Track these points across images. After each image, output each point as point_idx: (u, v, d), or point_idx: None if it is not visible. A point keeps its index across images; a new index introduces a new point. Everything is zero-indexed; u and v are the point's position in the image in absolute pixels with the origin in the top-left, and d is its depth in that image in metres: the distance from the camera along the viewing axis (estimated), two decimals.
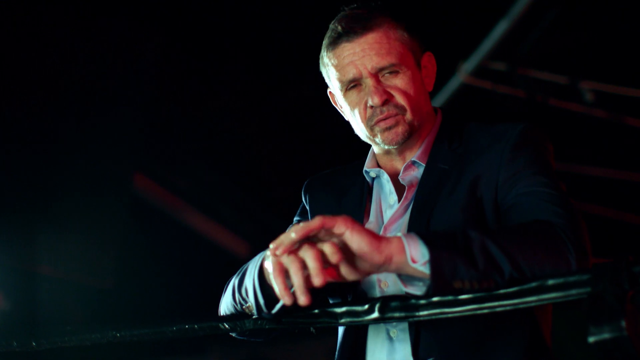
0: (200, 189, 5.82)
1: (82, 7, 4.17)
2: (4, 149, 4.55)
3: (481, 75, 4.92)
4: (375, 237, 1.42)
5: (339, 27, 1.87)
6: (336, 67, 1.89)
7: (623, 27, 4.59)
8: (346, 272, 1.44)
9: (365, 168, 1.99)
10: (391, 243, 1.43)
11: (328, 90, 2.03)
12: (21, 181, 4.65)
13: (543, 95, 4.97)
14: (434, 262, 1.40)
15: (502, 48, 4.68)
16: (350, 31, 1.86)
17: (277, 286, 1.44)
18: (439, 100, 4.94)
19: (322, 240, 1.44)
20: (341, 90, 1.92)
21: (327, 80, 2.00)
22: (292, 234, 1.42)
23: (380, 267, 1.43)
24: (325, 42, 1.93)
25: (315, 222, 1.42)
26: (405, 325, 1.73)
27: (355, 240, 1.40)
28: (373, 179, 1.99)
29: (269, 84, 4.93)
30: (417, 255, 1.42)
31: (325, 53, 1.93)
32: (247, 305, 1.70)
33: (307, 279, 1.41)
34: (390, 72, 1.86)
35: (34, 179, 4.69)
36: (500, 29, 4.54)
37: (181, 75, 4.92)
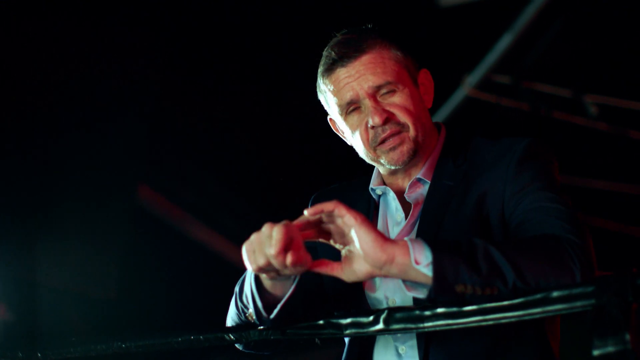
0: (204, 200, 5.82)
1: (90, 16, 4.19)
2: (6, 158, 4.56)
3: (485, 89, 4.93)
4: (382, 236, 1.46)
5: (333, 53, 1.89)
6: (333, 92, 1.91)
7: (627, 40, 4.61)
8: (349, 270, 1.49)
9: (371, 186, 2.00)
10: (396, 244, 1.46)
11: (328, 117, 2.05)
12: (23, 191, 4.65)
13: (547, 108, 4.98)
14: (436, 263, 1.42)
15: (506, 61, 4.69)
16: (344, 56, 1.87)
17: (248, 265, 1.55)
18: (443, 113, 4.95)
19: (329, 232, 1.52)
20: (341, 115, 1.93)
21: (326, 107, 2.01)
22: (305, 212, 1.51)
23: (382, 267, 1.45)
24: (320, 69, 1.95)
25: (330, 205, 1.49)
26: (413, 341, 1.74)
27: (362, 235, 1.45)
28: (379, 196, 2.00)
29: (274, 95, 4.94)
30: (420, 257, 1.44)
31: (321, 80, 1.95)
32: (249, 312, 1.72)
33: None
34: (388, 91, 1.87)
35: (36, 188, 4.70)
36: (505, 42, 4.56)
37: (186, 85, 4.93)
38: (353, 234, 1.46)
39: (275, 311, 1.63)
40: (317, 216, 1.52)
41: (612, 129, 4.96)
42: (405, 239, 1.48)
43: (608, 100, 4.87)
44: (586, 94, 4.89)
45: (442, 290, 1.41)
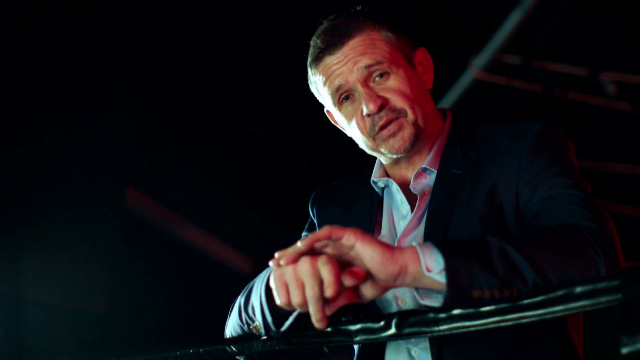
0: (199, 203, 5.82)
1: (73, 16, 4.19)
2: None
3: (494, 70, 4.92)
4: (388, 247, 1.43)
5: (319, 42, 1.90)
6: (324, 82, 1.91)
7: None
8: (362, 290, 1.45)
9: (372, 178, 1.99)
10: (405, 252, 1.43)
11: (325, 109, 2.04)
12: (5, 199, 4.65)
13: (561, 89, 4.97)
14: (449, 269, 1.40)
15: (515, 40, 4.68)
16: (331, 43, 1.88)
17: (279, 299, 1.46)
18: (450, 98, 4.94)
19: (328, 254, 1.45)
20: (334, 105, 1.93)
21: (319, 99, 2.02)
22: (298, 243, 1.44)
23: (396, 279, 1.43)
24: (308, 60, 1.95)
25: (323, 232, 1.43)
26: (426, 343, 1.74)
27: (367, 252, 1.41)
28: (382, 189, 1.99)
29: (269, 93, 4.95)
30: (432, 264, 1.42)
31: (310, 72, 1.96)
32: (255, 324, 1.71)
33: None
34: (380, 75, 1.87)
35: (18, 196, 4.70)
36: (513, 19, 4.54)
37: (176, 84, 4.93)
38: (358, 251, 1.42)
39: (287, 324, 1.61)
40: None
41: (632, 109, 4.95)
42: (414, 243, 1.46)
43: (627, 78, 4.86)
44: (603, 71, 4.88)
45: (458, 297, 1.38)
